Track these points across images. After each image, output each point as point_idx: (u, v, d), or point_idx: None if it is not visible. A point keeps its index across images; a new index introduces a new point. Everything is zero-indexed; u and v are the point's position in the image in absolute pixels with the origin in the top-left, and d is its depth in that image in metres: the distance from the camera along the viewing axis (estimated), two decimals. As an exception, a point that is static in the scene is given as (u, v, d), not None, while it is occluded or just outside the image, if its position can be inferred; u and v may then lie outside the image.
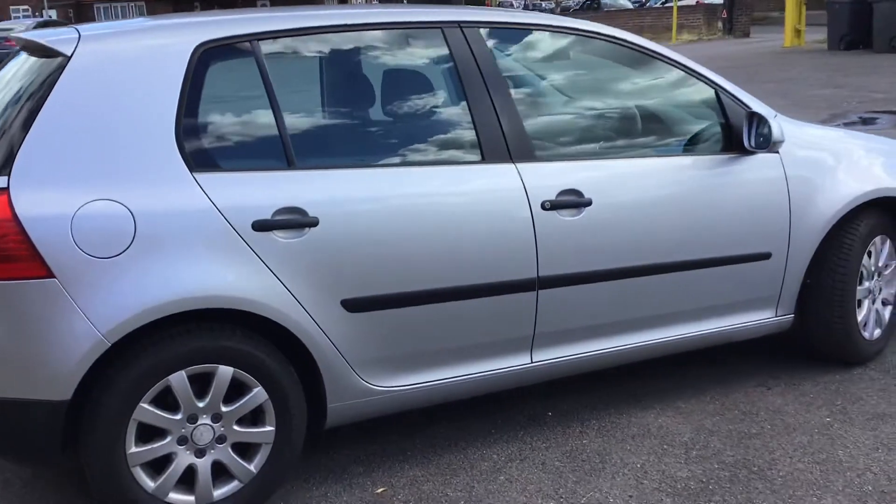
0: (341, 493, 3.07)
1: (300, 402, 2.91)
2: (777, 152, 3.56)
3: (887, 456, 3.16)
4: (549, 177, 3.17)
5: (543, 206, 3.12)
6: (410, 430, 3.46)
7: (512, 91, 3.21)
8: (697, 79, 3.53)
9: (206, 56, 2.82)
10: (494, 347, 3.19)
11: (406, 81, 3.26)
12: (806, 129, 3.78)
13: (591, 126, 3.52)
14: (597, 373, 3.71)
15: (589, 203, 3.19)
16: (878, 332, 3.94)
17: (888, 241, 3.89)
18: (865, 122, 11.12)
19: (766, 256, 3.57)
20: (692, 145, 3.56)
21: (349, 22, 3.06)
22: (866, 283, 3.83)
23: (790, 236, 3.59)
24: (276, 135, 2.86)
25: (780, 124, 3.44)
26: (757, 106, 3.57)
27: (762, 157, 3.53)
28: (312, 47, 3.09)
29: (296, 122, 2.93)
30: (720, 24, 29.01)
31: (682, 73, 3.52)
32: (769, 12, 37.17)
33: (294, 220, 2.78)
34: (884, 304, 3.98)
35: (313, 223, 2.80)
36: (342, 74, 3.25)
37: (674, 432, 3.40)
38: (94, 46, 2.76)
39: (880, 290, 3.93)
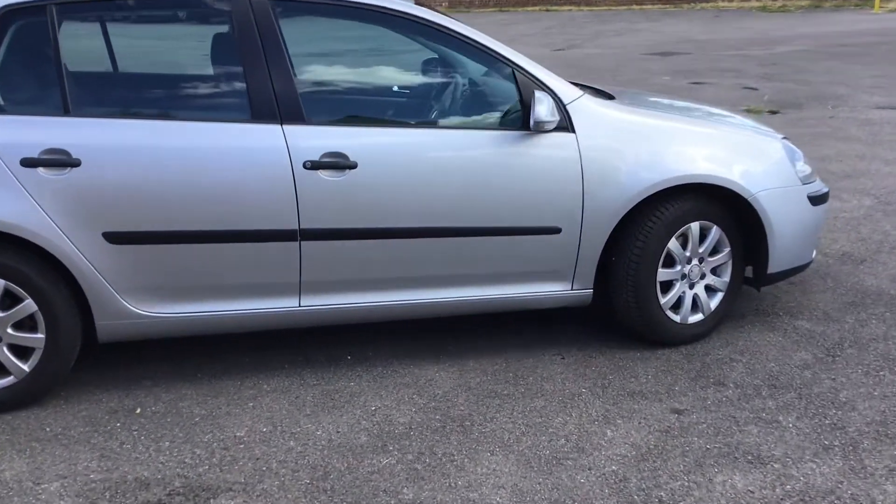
0: (113, 399, 3.58)
1: (70, 316, 3.43)
2: (573, 132, 3.67)
3: (597, 429, 3.29)
4: (316, 139, 3.47)
5: (305, 166, 3.44)
6: (213, 358, 3.91)
7: (291, 59, 3.52)
8: (495, 58, 3.67)
9: (8, 17, 3.35)
10: (263, 289, 3.57)
11: (189, 44, 3.67)
12: (618, 112, 3.82)
13: (371, 96, 3.79)
14: (415, 327, 4.04)
15: (354, 166, 3.48)
16: (697, 317, 3.96)
17: (714, 229, 3.88)
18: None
19: (556, 231, 3.70)
20: (483, 120, 3.73)
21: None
22: (678, 267, 3.86)
23: (583, 214, 3.70)
24: (56, 85, 3.35)
25: (551, 106, 3.54)
26: (558, 86, 3.68)
27: (557, 136, 3.65)
28: (105, 11, 3.55)
29: (78, 75, 3.41)
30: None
31: (481, 51, 3.66)
32: None
33: (58, 159, 3.28)
34: (710, 290, 3.98)
35: (76, 163, 3.29)
36: (128, 36, 3.69)
37: (436, 385, 3.66)
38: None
39: (702, 275, 3.94)
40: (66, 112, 3.36)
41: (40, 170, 3.28)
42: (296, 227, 3.48)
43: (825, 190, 4.15)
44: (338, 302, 3.65)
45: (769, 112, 9.93)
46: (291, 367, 3.83)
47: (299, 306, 3.62)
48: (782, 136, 4.17)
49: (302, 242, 3.51)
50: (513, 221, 3.67)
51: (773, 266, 3.96)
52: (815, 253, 4.24)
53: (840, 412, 3.35)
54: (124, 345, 3.70)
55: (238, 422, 3.39)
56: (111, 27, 3.70)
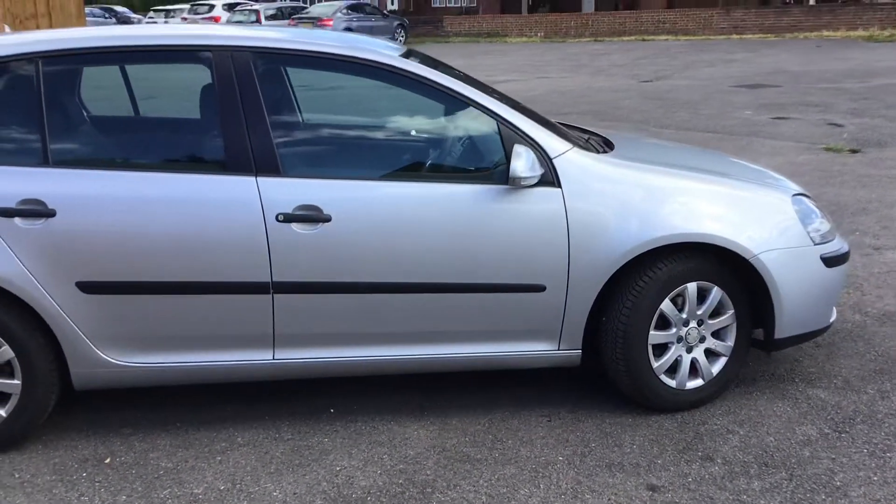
0: (89, 446, 3.58)
1: (46, 364, 3.46)
2: (559, 186, 3.52)
3: (566, 502, 3.11)
4: (290, 191, 3.43)
5: (277, 218, 3.40)
6: (198, 406, 3.88)
7: (268, 111, 3.48)
8: (478, 109, 3.55)
9: (-5, 70, 3.44)
10: (237, 341, 3.54)
11: (168, 96, 3.68)
12: (610, 166, 3.64)
13: (348, 148, 3.71)
14: (405, 380, 3.94)
15: (328, 219, 3.41)
16: (696, 382, 3.74)
17: (715, 289, 3.66)
18: None
19: (540, 289, 3.55)
20: (465, 174, 3.62)
21: (125, 44, 3.53)
22: (673, 330, 3.65)
23: (570, 272, 3.54)
24: (37, 136, 3.41)
25: (531, 160, 3.40)
26: (544, 139, 3.54)
27: (541, 191, 3.51)
28: (88, 65, 3.59)
29: (60, 125, 3.46)
30: None
31: (464, 103, 3.55)
32: None
33: (34, 209, 3.33)
34: (711, 354, 3.75)
35: (51, 214, 3.33)
36: (113, 87, 3.72)
37: (410, 445, 3.54)
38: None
39: (702, 339, 3.71)
40: (45, 162, 3.40)
41: (17, 220, 3.32)
42: (268, 279, 3.44)
43: (845, 250, 3.86)
44: (313, 356, 3.58)
45: (850, 151, 9.47)
46: (271, 419, 3.78)
47: (273, 359, 3.57)
48: (797, 192, 3.91)
49: (275, 295, 3.46)
50: (494, 278, 3.53)
51: (781, 331, 3.70)
52: (833, 316, 3.95)
53: (830, 499, 3.08)
54: (115, 389, 3.70)
55: (200, 477, 3.34)
56: (97, 79, 3.75)
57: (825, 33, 26.79)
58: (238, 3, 35.23)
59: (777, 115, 12.03)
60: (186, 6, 36.93)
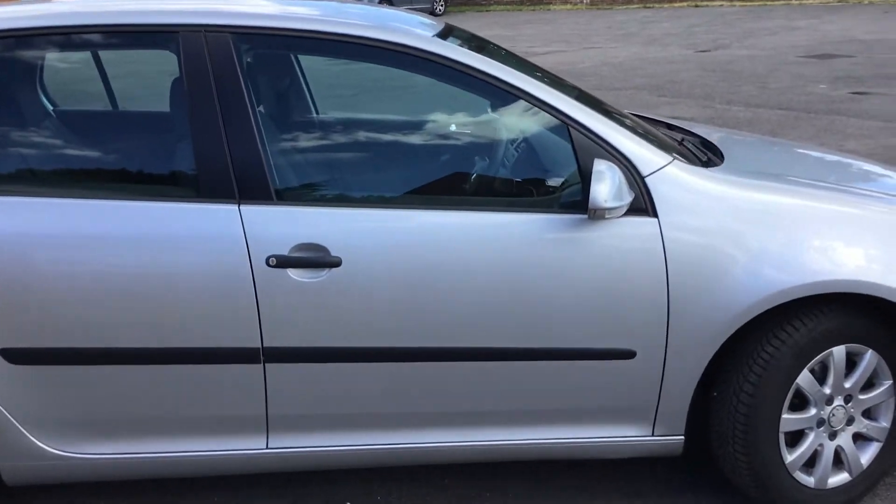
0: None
1: (-35, 455, 2.58)
2: (655, 216, 2.53)
3: None
4: (286, 225, 2.49)
5: (268, 263, 2.47)
6: (179, 496, 3.00)
7: (260, 115, 2.54)
8: (544, 110, 2.57)
9: None
10: (218, 425, 2.63)
11: (118, 95, 2.72)
12: (724, 185, 2.62)
13: (367, 166, 2.74)
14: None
15: (337, 263, 2.47)
16: (841, 477, 2.76)
17: (868, 354, 2.67)
18: None
19: (629, 355, 2.59)
20: (524, 199, 2.64)
21: (65, 23, 2.57)
22: (812, 411, 2.66)
23: (669, 333, 2.56)
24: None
25: (617, 182, 2.41)
26: (635, 151, 2.56)
27: (630, 222, 2.53)
28: (14, 51, 2.65)
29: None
30: None
31: (521, 100, 2.57)
32: None
33: (-62, 254, 2.43)
34: (860, 439, 2.76)
35: (-41, 260, 2.43)
36: (50, 81, 2.78)
37: (452, 567, 2.61)
38: None
39: (850, 420, 2.72)
40: (-46, 187, 2.49)
41: (-83, 266, 2.43)
42: (258, 344, 2.51)
43: None
44: (319, 444, 2.66)
45: (947, 131, 8.32)
46: (279, 515, 2.87)
47: (267, 448, 2.65)
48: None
49: (266, 365, 2.54)
50: (563, 341, 2.56)
51: (959, 409, 2.70)
52: None
53: None
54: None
55: None
56: (28, 71, 2.81)
57: (892, -3, 25.18)
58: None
59: (856, 90, 10.84)
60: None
